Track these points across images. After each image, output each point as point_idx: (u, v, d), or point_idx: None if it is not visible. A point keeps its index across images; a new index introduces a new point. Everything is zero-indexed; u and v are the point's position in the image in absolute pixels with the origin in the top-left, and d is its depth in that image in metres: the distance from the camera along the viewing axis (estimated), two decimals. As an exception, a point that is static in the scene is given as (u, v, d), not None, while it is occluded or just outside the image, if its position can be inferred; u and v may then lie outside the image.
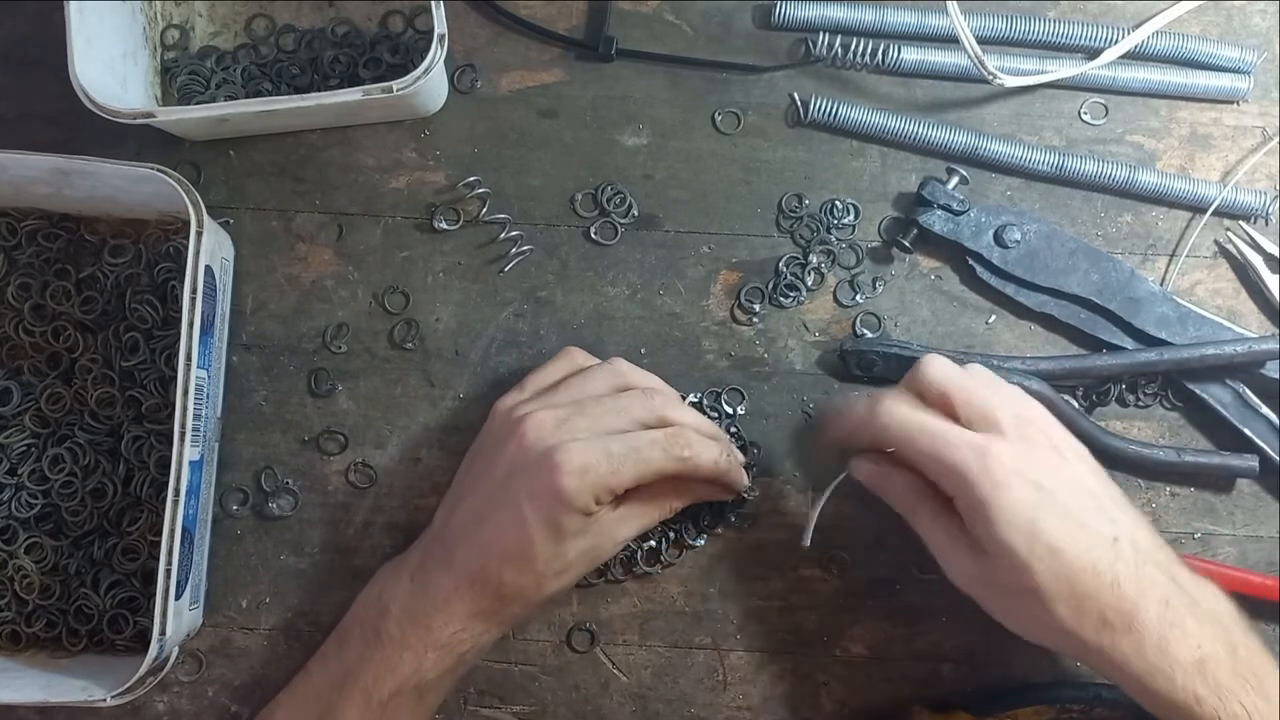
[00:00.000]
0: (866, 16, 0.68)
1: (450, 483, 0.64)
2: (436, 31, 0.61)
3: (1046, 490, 0.52)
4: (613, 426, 0.57)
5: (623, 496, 0.58)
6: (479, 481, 0.60)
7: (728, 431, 0.65)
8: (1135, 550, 0.52)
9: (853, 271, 0.68)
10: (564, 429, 0.57)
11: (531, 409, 0.58)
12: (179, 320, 0.58)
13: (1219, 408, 0.66)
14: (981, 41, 0.64)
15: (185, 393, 0.58)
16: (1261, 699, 0.51)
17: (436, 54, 0.61)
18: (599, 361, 0.63)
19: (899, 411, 0.55)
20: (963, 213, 0.66)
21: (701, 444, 0.58)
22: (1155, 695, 0.51)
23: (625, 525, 0.59)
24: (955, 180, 0.67)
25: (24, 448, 0.65)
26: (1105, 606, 0.51)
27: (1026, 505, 0.51)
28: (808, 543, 0.61)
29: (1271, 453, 0.65)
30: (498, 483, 0.58)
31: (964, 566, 0.54)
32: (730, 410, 0.66)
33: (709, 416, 0.65)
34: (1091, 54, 0.68)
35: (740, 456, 0.63)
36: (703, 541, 0.65)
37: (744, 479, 0.62)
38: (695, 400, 0.66)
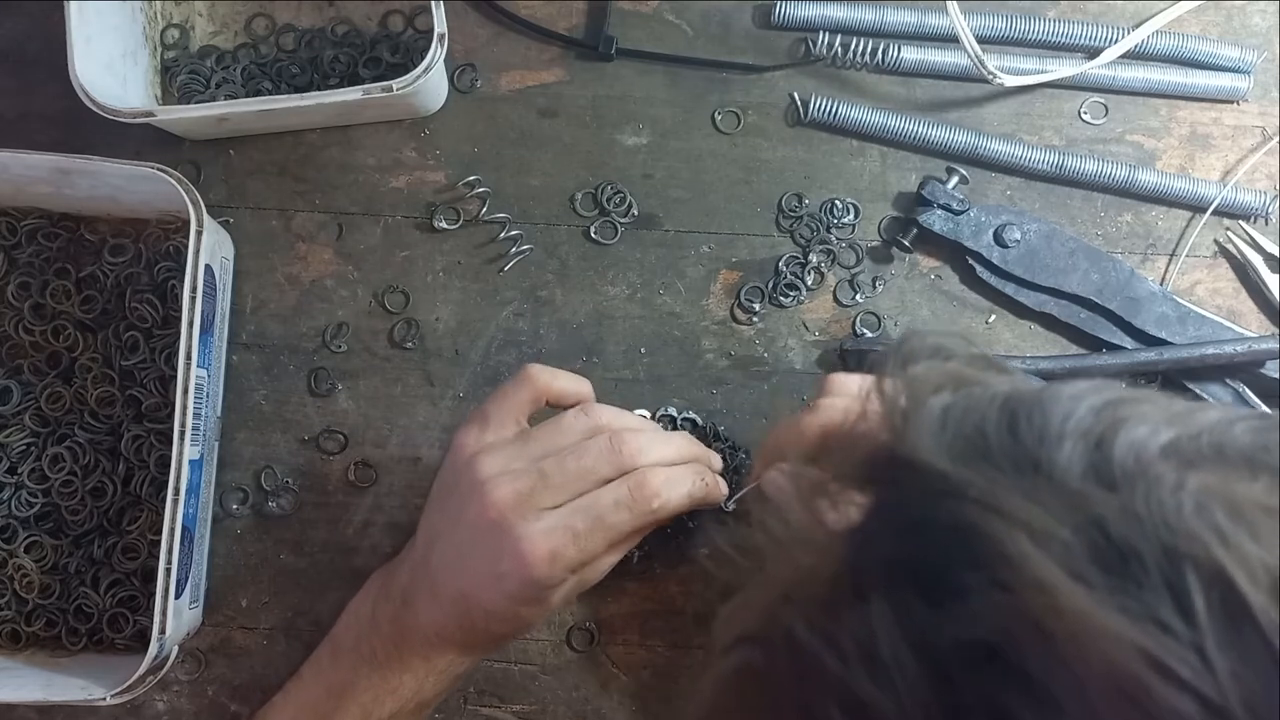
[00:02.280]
0: (866, 16, 0.68)
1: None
2: (436, 31, 0.61)
3: None
4: (577, 491, 0.54)
5: None
6: (453, 525, 0.56)
7: (714, 442, 0.65)
8: None
9: (853, 271, 0.68)
10: (528, 504, 0.53)
11: (492, 470, 0.54)
12: (179, 319, 0.58)
13: (1219, 407, 0.66)
14: (981, 41, 0.64)
15: (185, 392, 0.58)
16: None
17: (436, 53, 0.61)
18: (560, 383, 0.59)
19: (840, 374, 0.56)
20: (963, 212, 0.66)
21: (670, 486, 0.55)
22: None
23: (606, 560, 0.57)
24: (955, 180, 0.67)
25: (24, 447, 0.65)
26: None
27: None
28: (729, 507, 0.61)
29: (1271, 452, 0.65)
30: (467, 539, 0.55)
31: None
32: (721, 434, 0.66)
33: (694, 422, 0.65)
34: (1091, 53, 0.68)
35: (718, 463, 0.61)
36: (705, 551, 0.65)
37: (720, 497, 0.59)
38: (675, 416, 0.66)
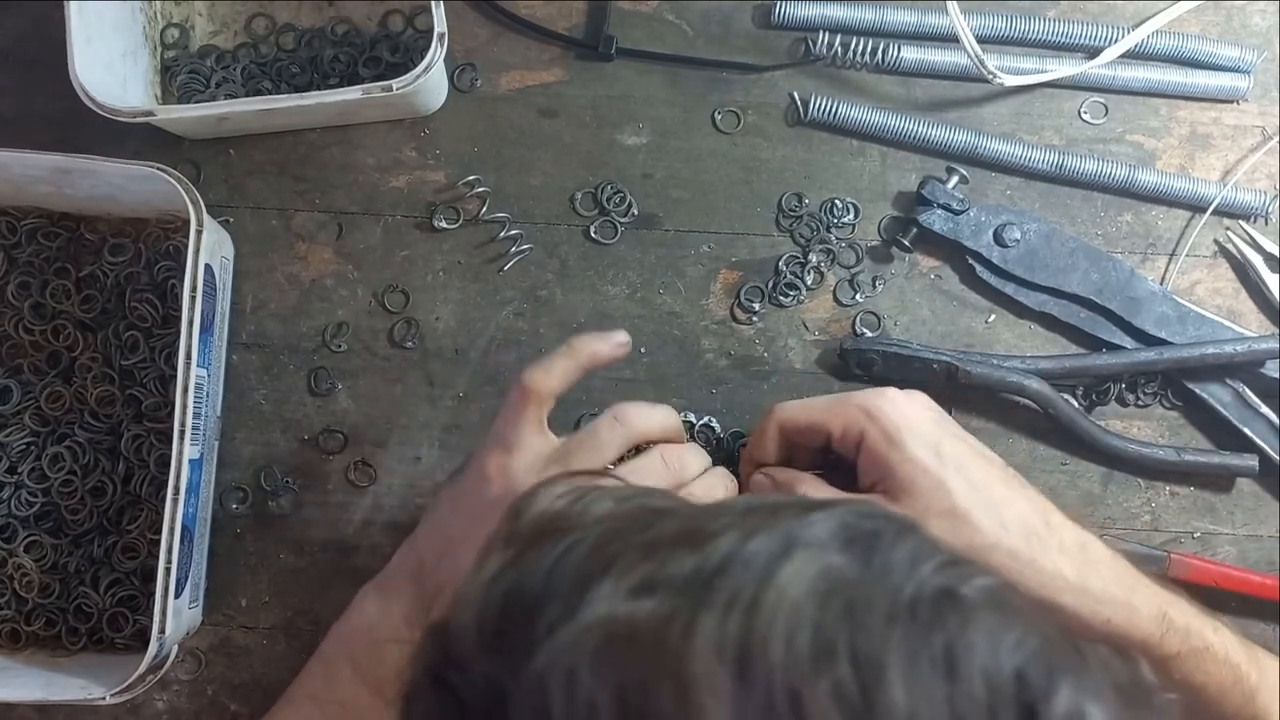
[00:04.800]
0: (866, 16, 0.68)
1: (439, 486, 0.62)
2: (436, 30, 0.61)
3: (940, 417, 0.55)
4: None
5: None
6: (472, 530, 0.54)
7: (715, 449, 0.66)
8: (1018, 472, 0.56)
9: (852, 271, 0.68)
10: None
11: (532, 476, 0.53)
12: (179, 319, 0.58)
13: (1219, 407, 0.66)
14: (981, 41, 0.64)
15: (185, 391, 0.58)
16: (1181, 595, 0.54)
17: (436, 53, 0.61)
18: (567, 370, 0.56)
19: (790, 404, 0.58)
20: (962, 212, 0.66)
21: (709, 493, 0.56)
22: (1088, 593, 0.52)
23: None
24: (955, 179, 0.67)
25: (24, 446, 0.65)
26: (1024, 514, 0.53)
27: (930, 427, 0.54)
28: None
29: (1271, 452, 0.65)
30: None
31: None
32: (719, 432, 0.66)
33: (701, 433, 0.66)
34: (1091, 53, 0.68)
35: (732, 483, 0.60)
36: None
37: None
38: (694, 422, 0.66)
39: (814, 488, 0.56)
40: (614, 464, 0.55)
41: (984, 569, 0.32)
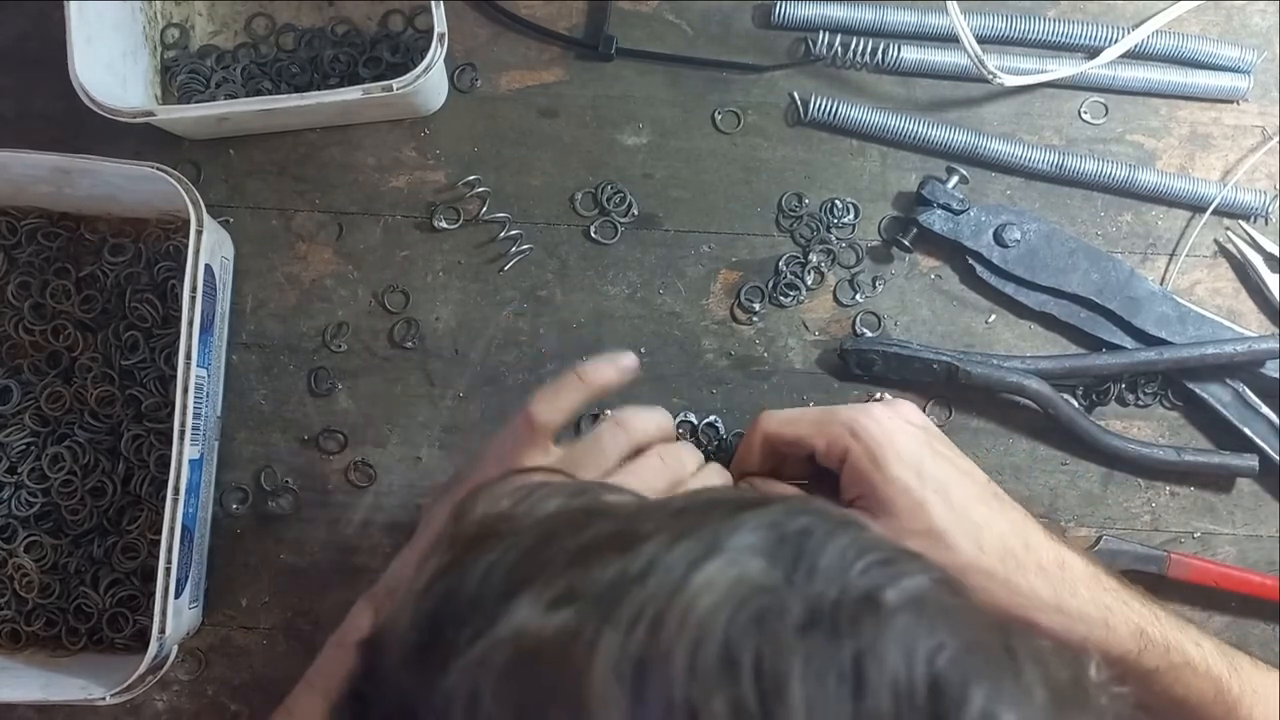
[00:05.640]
0: (866, 16, 0.68)
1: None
2: (436, 30, 0.61)
3: (924, 433, 0.55)
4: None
5: None
6: None
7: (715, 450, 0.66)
8: (1002, 490, 0.56)
9: (852, 271, 0.68)
10: None
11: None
12: (179, 319, 0.58)
13: (1219, 407, 0.66)
14: (981, 41, 0.64)
15: (185, 391, 0.58)
16: (1162, 609, 0.54)
17: (436, 53, 0.61)
18: (574, 402, 0.54)
19: (777, 415, 0.58)
20: (962, 212, 0.66)
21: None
22: (1063, 611, 0.53)
23: None
24: (955, 179, 0.67)
25: (24, 446, 0.65)
26: (1003, 534, 0.53)
27: (913, 446, 0.54)
28: None
29: (1271, 452, 0.65)
30: None
31: None
32: (722, 432, 0.66)
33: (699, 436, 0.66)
34: (1091, 53, 0.68)
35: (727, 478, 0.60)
36: None
37: None
38: (695, 423, 0.66)
39: None
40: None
41: (922, 566, 0.31)
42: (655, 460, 0.55)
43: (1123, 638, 0.53)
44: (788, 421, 0.58)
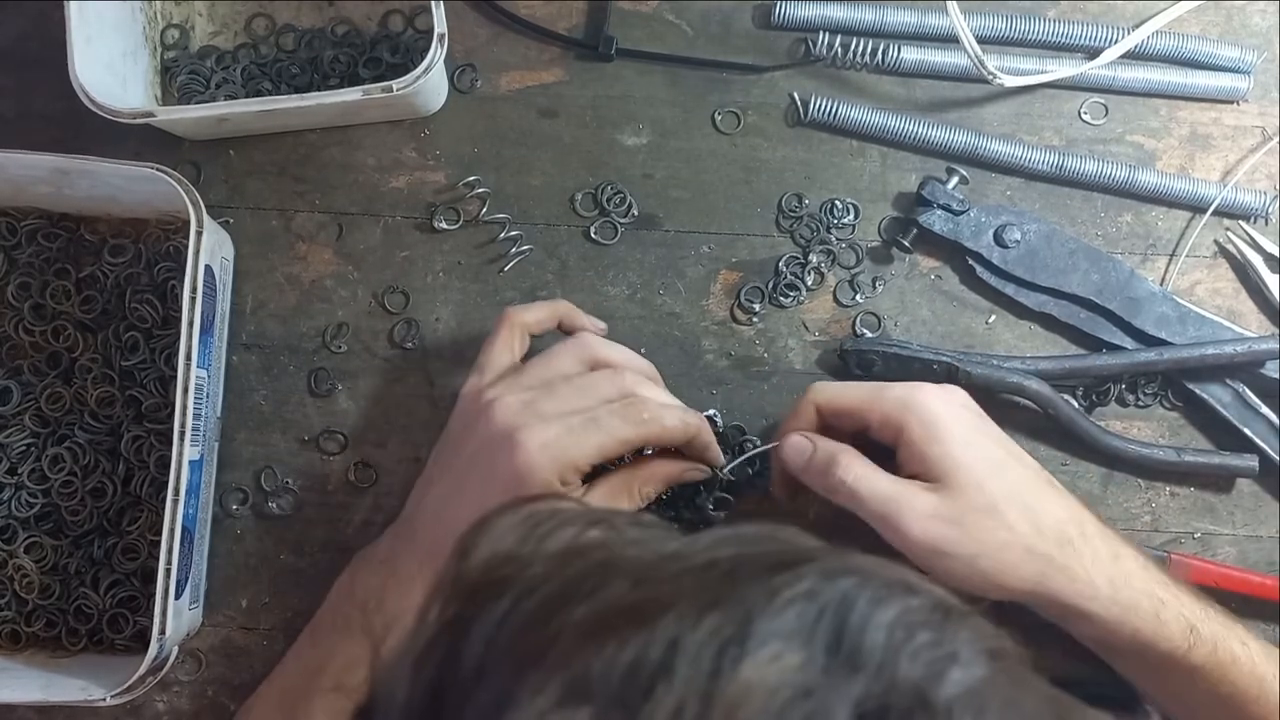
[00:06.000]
0: (866, 16, 0.68)
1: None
2: (436, 31, 0.61)
3: (978, 418, 0.56)
4: (579, 405, 0.56)
5: (590, 480, 0.58)
6: (447, 466, 0.59)
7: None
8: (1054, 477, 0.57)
9: (853, 271, 0.68)
10: (530, 410, 0.56)
11: (498, 393, 0.57)
12: (179, 320, 0.58)
13: (1219, 408, 0.66)
14: (981, 41, 0.64)
15: (185, 392, 0.58)
16: (1212, 606, 0.54)
17: (436, 53, 0.61)
18: (535, 314, 0.62)
19: (828, 386, 0.59)
20: (962, 212, 0.66)
21: (662, 409, 0.57)
22: (1117, 603, 0.53)
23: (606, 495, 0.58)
24: (955, 180, 0.67)
25: (24, 447, 0.65)
26: (1060, 520, 0.53)
27: (968, 425, 0.55)
28: (726, 474, 0.62)
29: (1271, 453, 0.65)
30: (463, 465, 0.58)
31: (919, 506, 0.53)
32: (720, 425, 0.66)
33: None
34: (1091, 54, 0.68)
35: (708, 432, 0.61)
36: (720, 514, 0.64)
37: (717, 452, 0.61)
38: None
39: (853, 460, 0.55)
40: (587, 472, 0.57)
41: (975, 636, 0.28)
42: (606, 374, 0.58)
43: (1173, 633, 0.53)
44: (839, 394, 0.58)
